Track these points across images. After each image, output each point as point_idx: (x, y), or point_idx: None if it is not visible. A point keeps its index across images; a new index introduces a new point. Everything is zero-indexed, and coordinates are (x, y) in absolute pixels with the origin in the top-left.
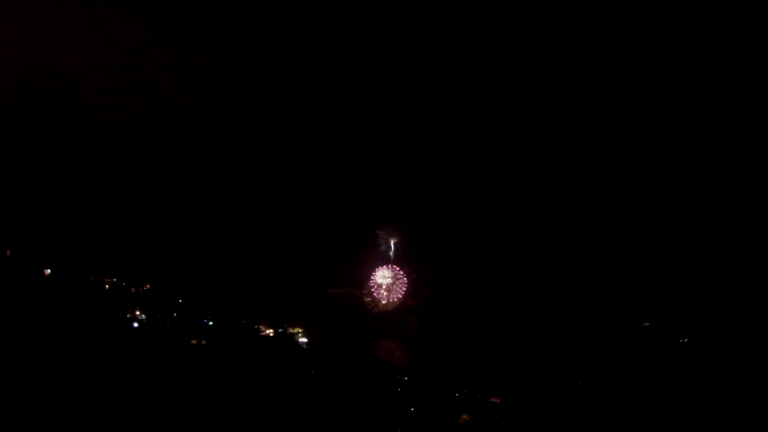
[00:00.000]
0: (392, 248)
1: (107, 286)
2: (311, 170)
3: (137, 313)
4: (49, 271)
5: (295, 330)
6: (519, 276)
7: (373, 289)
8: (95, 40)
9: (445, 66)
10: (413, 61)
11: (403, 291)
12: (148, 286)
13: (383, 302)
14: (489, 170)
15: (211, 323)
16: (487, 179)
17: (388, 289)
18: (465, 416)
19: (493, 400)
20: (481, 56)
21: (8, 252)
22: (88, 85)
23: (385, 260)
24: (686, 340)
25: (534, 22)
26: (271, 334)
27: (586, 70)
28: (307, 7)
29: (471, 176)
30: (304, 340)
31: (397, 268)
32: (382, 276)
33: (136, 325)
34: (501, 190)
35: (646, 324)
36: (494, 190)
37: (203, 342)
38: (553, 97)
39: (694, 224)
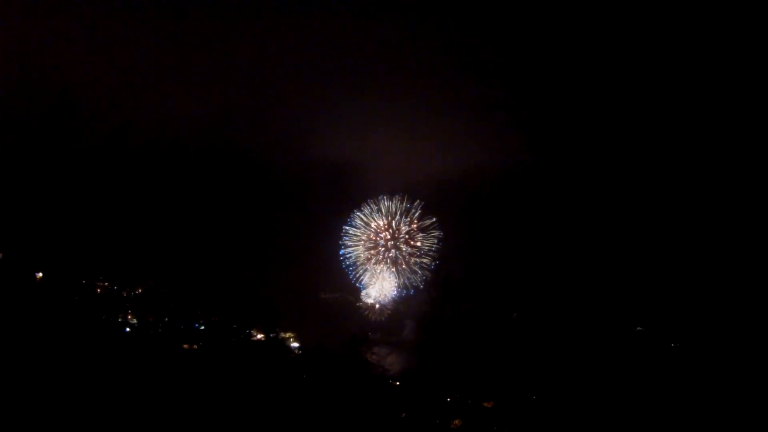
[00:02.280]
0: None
1: (99, 290)
2: (305, 176)
3: (129, 317)
4: (40, 274)
5: (287, 335)
6: (512, 281)
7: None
8: (89, 44)
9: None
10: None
11: (395, 296)
12: (140, 290)
13: (376, 307)
14: (480, 175)
15: (202, 328)
16: (478, 184)
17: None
18: (457, 421)
19: (486, 405)
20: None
21: None
22: (79, 88)
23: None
24: (678, 344)
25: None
26: (263, 339)
27: (578, 75)
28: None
29: (462, 180)
30: (295, 345)
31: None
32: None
33: (128, 329)
34: (493, 195)
35: (639, 328)
36: (486, 195)
37: (195, 346)
38: (536, 100)
39: (686, 230)
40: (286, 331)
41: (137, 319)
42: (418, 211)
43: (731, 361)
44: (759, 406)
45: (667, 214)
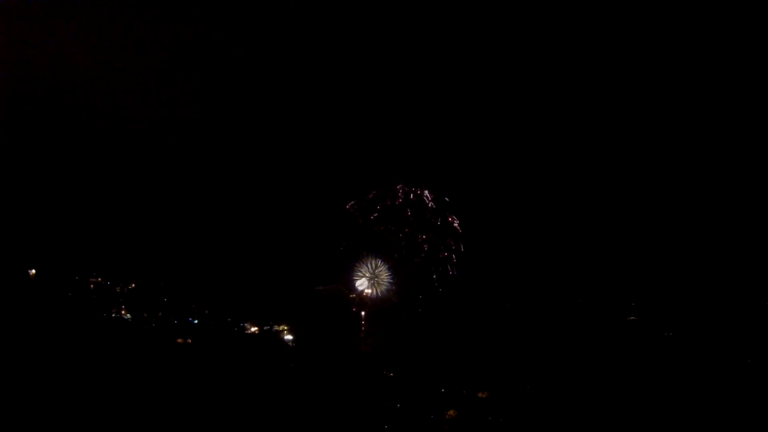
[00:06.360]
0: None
1: (93, 286)
2: (297, 170)
3: (123, 312)
4: (34, 271)
5: (281, 327)
6: (506, 272)
7: (357, 283)
8: (84, 44)
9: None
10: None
11: (388, 282)
12: (134, 285)
13: (368, 295)
14: (477, 168)
15: (196, 322)
16: (475, 177)
17: (372, 280)
18: (452, 412)
19: (480, 395)
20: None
21: None
22: (73, 87)
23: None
24: (671, 334)
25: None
26: (257, 332)
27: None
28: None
29: (459, 174)
30: (289, 337)
31: (380, 261)
32: (365, 270)
33: (122, 324)
34: (489, 188)
35: (632, 318)
36: (482, 188)
37: (189, 341)
38: (539, 97)
39: (679, 223)
40: (280, 324)
41: (131, 315)
42: (432, 205)
43: (724, 350)
44: (752, 393)
45: (660, 207)
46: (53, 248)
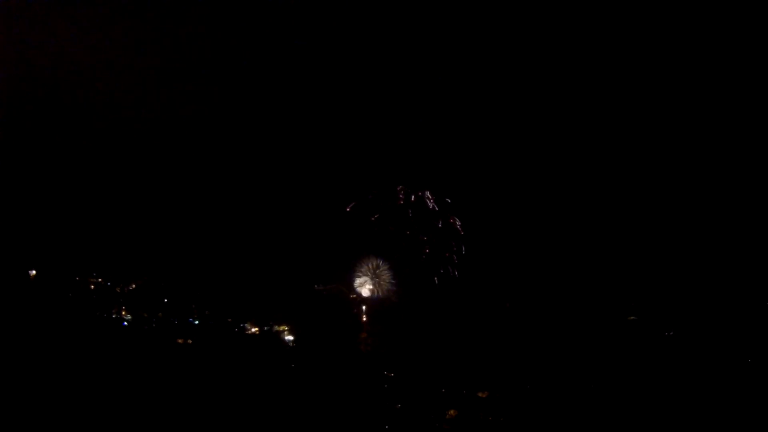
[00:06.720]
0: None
1: (93, 287)
2: (297, 171)
3: (123, 313)
4: (34, 272)
5: (281, 328)
6: (506, 271)
7: (357, 282)
8: (84, 44)
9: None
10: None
11: (389, 283)
12: (134, 286)
13: (369, 294)
14: (479, 169)
15: (197, 322)
16: (477, 179)
17: (373, 281)
18: (452, 411)
19: (480, 395)
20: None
21: None
22: (73, 87)
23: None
24: (672, 333)
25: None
26: (257, 333)
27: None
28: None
29: (460, 175)
30: (290, 338)
31: (381, 261)
32: (366, 269)
33: (123, 324)
34: (491, 189)
35: (632, 318)
36: (484, 189)
37: (189, 341)
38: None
39: (678, 223)
40: (280, 324)
41: (131, 315)
42: (434, 205)
43: (725, 350)
44: (752, 393)
45: (660, 207)
46: (53, 248)
